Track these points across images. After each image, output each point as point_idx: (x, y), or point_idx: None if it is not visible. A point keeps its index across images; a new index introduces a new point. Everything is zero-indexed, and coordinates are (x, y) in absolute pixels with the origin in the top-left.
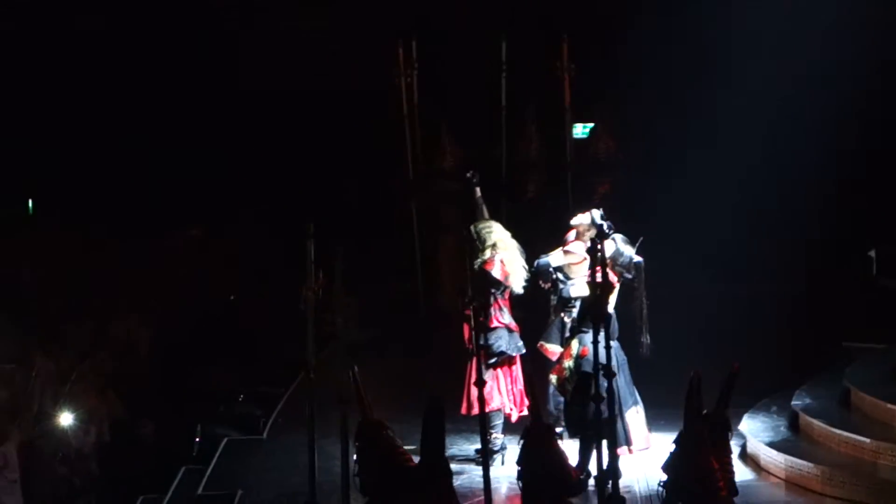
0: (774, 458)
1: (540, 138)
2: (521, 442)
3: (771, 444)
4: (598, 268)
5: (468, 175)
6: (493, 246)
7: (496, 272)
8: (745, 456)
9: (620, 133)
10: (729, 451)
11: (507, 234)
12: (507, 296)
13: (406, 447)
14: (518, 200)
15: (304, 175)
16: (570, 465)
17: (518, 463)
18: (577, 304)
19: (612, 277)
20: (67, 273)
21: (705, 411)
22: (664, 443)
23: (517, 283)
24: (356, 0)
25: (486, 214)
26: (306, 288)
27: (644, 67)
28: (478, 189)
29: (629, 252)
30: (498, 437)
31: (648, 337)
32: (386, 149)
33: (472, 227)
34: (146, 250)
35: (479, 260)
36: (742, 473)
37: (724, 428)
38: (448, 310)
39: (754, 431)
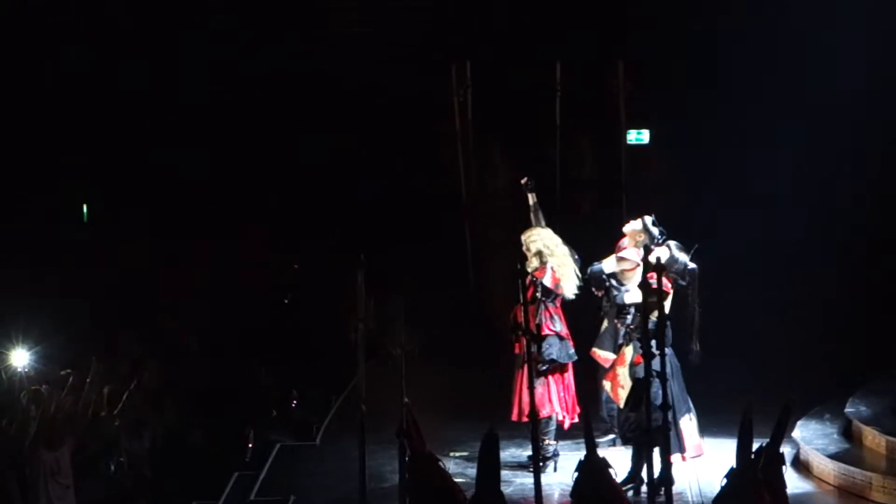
0: (827, 466)
1: (593, 158)
2: (576, 476)
3: (824, 452)
4: (653, 274)
5: (523, 181)
6: (540, 254)
7: (547, 280)
8: (797, 463)
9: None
10: (784, 486)
11: (558, 241)
12: (558, 303)
13: (455, 454)
14: (572, 217)
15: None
16: (625, 497)
17: (571, 497)
18: (631, 310)
19: (666, 284)
20: (121, 276)
21: (760, 445)
22: (716, 450)
23: (569, 289)
24: (411, 17)
25: (543, 221)
26: (355, 319)
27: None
28: (532, 195)
29: (683, 258)
30: (551, 443)
31: (698, 344)
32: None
33: (521, 237)
34: (200, 251)
35: (529, 268)
36: (794, 481)
37: (778, 463)
38: (498, 327)
39: (807, 438)
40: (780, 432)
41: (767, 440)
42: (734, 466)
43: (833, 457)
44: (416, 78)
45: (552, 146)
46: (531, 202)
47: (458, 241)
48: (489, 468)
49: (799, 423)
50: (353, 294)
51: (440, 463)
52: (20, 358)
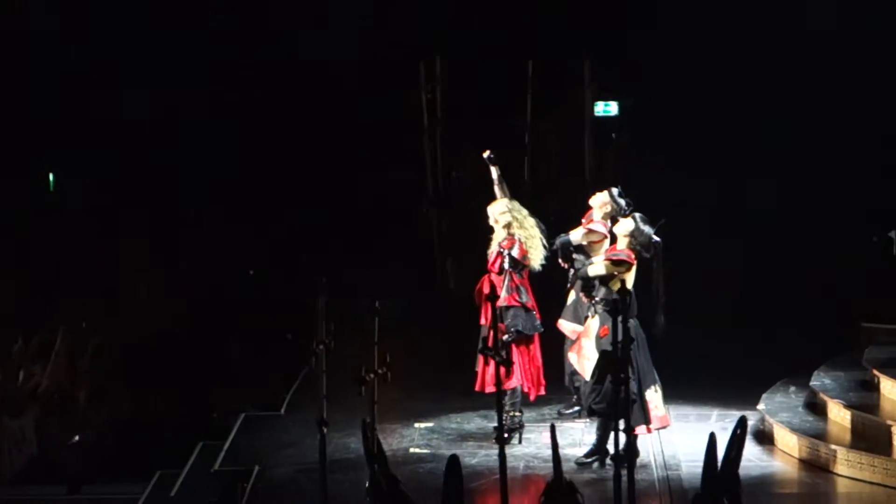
0: (792, 439)
1: (561, 159)
2: (542, 500)
3: (788, 425)
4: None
5: (485, 154)
6: (508, 225)
7: (515, 251)
8: (761, 435)
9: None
10: None
11: (525, 212)
12: (525, 275)
13: (420, 425)
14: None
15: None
16: None
17: None
18: (596, 282)
19: (630, 255)
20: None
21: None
22: (681, 421)
23: (536, 260)
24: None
25: (508, 193)
26: (317, 342)
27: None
28: (495, 168)
29: (648, 230)
30: (515, 414)
31: (663, 317)
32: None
33: (488, 209)
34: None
35: (495, 240)
36: (759, 454)
37: (734, 484)
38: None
39: (772, 411)
40: (738, 453)
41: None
42: (698, 493)
43: (798, 430)
44: (385, 72)
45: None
46: (495, 175)
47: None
48: (453, 493)
49: (764, 395)
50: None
51: (401, 486)
52: None
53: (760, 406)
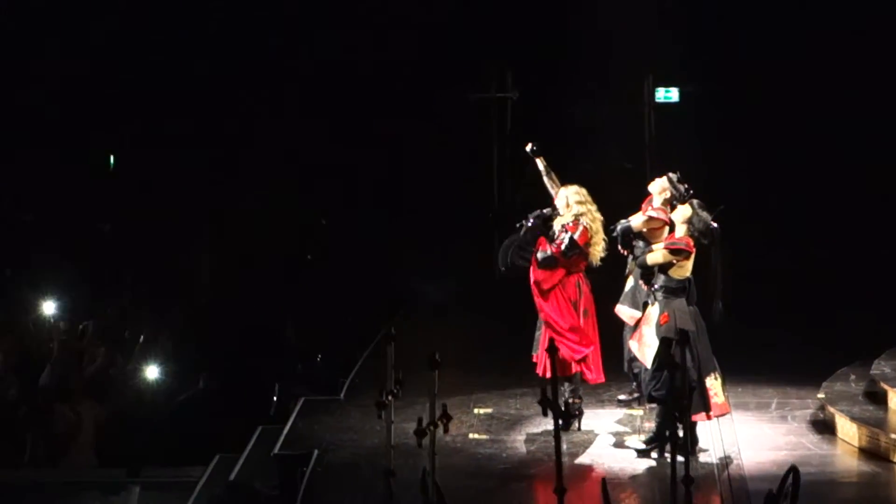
0: (852, 428)
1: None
2: None
3: (849, 414)
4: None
5: (528, 147)
6: (580, 213)
7: (577, 235)
8: (822, 424)
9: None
10: None
11: (595, 206)
12: (581, 266)
13: (479, 410)
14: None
15: None
16: None
17: None
18: (655, 269)
19: (689, 243)
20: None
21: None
22: (741, 410)
23: (597, 254)
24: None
25: (557, 182)
26: (385, 394)
27: None
28: (540, 160)
29: (706, 217)
30: (575, 401)
31: (721, 304)
32: None
33: (561, 190)
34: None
35: (558, 222)
36: (819, 443)
37: None
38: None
39: (832, 399)
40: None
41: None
42: None
43: (858, 419)
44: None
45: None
46: (541, 167)
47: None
48: None
49: (824, 383)
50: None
51: None
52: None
53: (820, 395)
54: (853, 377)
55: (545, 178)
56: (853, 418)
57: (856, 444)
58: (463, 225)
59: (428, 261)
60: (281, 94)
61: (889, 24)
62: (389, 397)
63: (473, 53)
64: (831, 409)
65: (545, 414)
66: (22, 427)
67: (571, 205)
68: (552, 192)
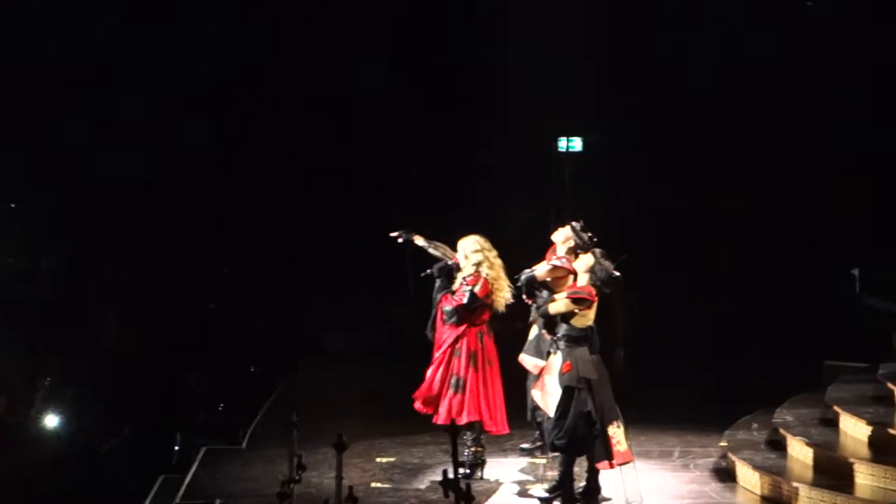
0: (754, 476)
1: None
2: None
3: (751, 462)
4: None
5: (397, 236)
6: (479, 263)
7: (478, 288)
8: (724, 472)
9: None
10: None
11: (495, 252)
12: (485, 316)
13: (382, 459)
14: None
15: None
16: None
17: None
18: (559, 319)
19: (591, 292)
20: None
21: None
22: (643, 458)
23: (500, 302)
24: None
25: (445, 248)
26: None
27: None
28: (416, 238)
29: (608, 266)
30: (477, 450)
31: (622, 352)
32: None
33: (458, 244)
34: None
35: (460, 276)
36: (721, 491)
37: None
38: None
39: (734, 448)
40: None
41: None
42: None
43: (760, 467)
44: None
45: None
46: (421, 243)
47: None
48: None
49: (726, 432)
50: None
51: None
52: None
53: (723, 443)
54: (755, 425)
55: (432, 251)
56: (755, 466)
57: (758, 492)
58: (366, 271)
59: (332, 309)
60: (281, 93)
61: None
62: (292, 486)
63: None
64: (733, 458)
65: (446, 495)
66: None
67: (469, 255)
68: (447, 257)
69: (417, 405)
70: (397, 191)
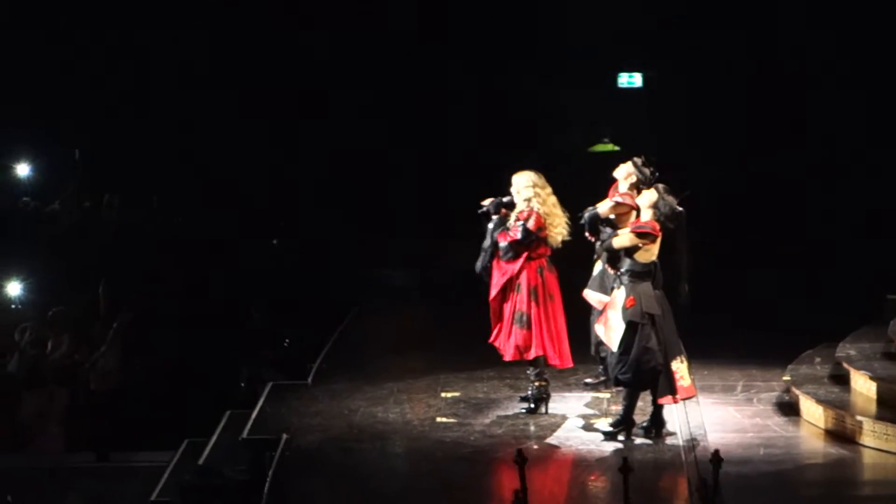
0: (818, 410)
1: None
2: None
3: (814, 396)
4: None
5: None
6: (529, 199)
7: (530, 222)
8: (787, 407)
9: None
10: None
11: (549, 189)
12: (542, 251)
13: (446, 394)
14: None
15: None
16: None
17: None
18: (622, 253)
19: (655, 227)
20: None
21: None
22: (707, 392)
23: (555, 237)
24: None
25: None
26: None
27: None
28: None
29: (671, 201)
30: (541, 384)
31: (687, 287)
32: None
33: (512, 178)
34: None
35: (514, 213)
36: (785, 425)
37: None
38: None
39: (798, 382)
40: None
41: None
42: None
43: (823, 401)
44: None
45: None
46: (507, 199)
47: None
48: None
49: (789, 366)
50: None
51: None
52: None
53: (786, 377)
54: (818, 360)
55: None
56: (819, 400)
57: (821, 425)
58: (424, 214)
59: (392, 248)
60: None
61: None
62: None
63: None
64: (797, 392)
65: None
66: None
67: (521, 190)
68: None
69: (496, 342)
70: (457, 130)
